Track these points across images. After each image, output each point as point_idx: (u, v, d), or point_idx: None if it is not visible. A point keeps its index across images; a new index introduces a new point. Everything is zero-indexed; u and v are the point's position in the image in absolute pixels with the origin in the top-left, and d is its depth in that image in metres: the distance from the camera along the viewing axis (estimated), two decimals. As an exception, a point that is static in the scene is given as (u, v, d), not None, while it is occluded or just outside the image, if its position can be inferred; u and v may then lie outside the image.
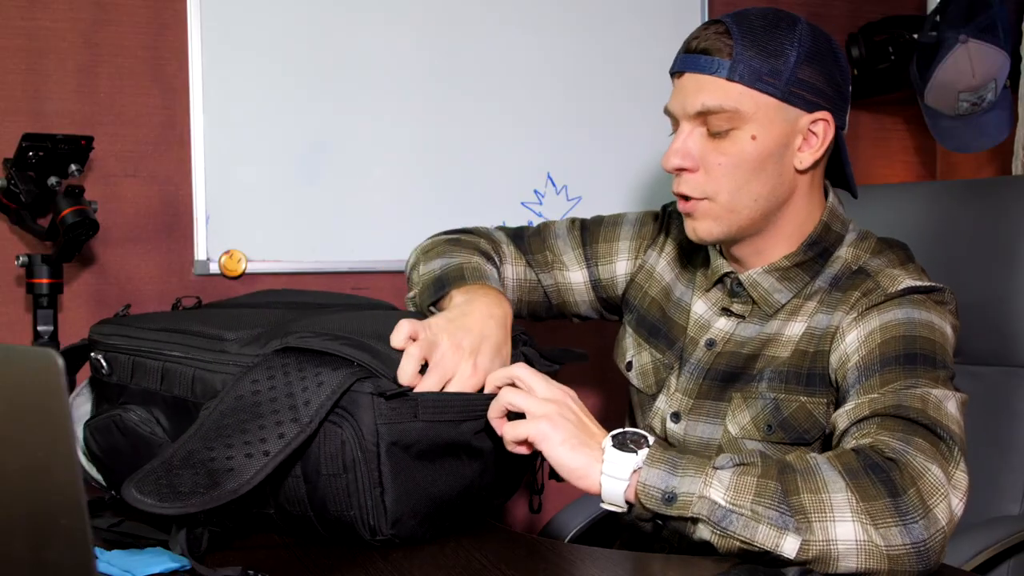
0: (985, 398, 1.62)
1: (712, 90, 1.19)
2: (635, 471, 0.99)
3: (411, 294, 1.33)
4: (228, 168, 1.93)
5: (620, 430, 1.03)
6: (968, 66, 2.06)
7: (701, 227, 1.24)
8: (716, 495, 0.97)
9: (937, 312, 1.17)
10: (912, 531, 0.95)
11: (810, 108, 1.21)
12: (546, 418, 1.01)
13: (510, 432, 1.03)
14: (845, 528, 0.95)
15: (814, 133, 1.22)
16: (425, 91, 2.04)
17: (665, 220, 1.46)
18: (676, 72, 1.24)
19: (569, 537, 1.63)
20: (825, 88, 1.21)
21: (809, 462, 0.99)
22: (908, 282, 1.19)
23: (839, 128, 1.24)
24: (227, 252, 1.93)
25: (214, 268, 1.93)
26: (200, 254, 1.93)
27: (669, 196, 2.24)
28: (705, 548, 1.29)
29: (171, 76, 1.91)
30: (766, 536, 0.96)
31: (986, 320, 1.62)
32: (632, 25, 2.20)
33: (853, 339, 1.17)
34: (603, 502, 1.02)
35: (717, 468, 0.98)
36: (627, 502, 1.01)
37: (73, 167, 1.66)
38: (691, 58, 1.22)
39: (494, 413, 1.06)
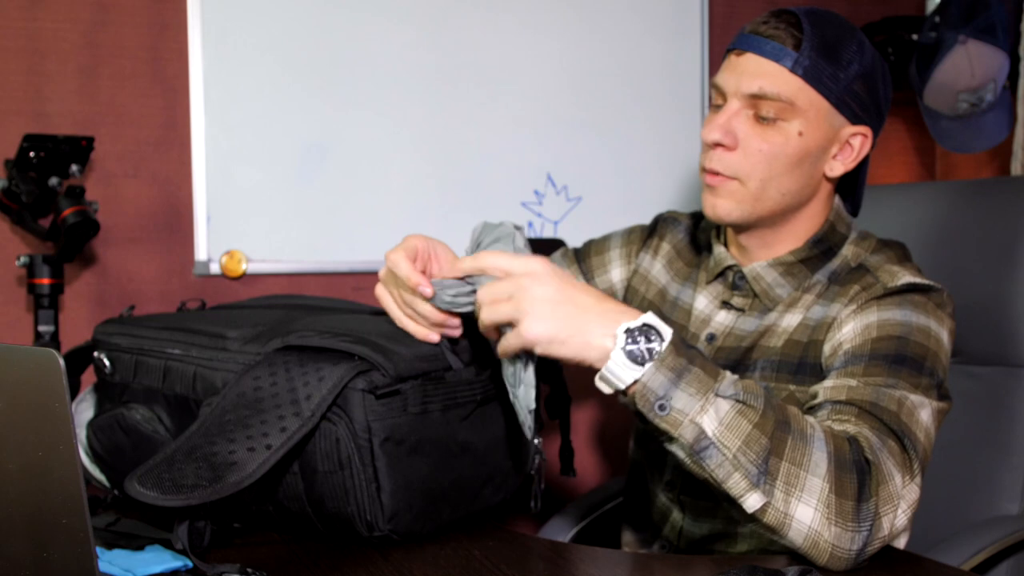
0: (985, 398, 1.62)
1: (773, 76, 1.19)
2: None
3: None
4: (228, 168, 1.93)
5: (636, 325, 0.96)
6: (967, 66, 2.06)
7: (722, 205, 1.24)
8: (708, 424, 0.95)
9: (936, 317, 1.17)
10: (860, 538, 0.98)
11: (855, 120, 1.22)
12: (528, 326, 0.97)
13: (504, 350, 1.01)
14: (806, 512, 0.97)
15: (851, 145, 1.24)
16: (425, 91, 2.04)
17: (658, 226, 1.47)
18: (737, 50, 1.24)
19: (569, 537, 1.63)
20: (871, 106, 1.23)
21: (806, 430, 0.99)
22: (907, 278, 1.19)
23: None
24: (228, 252, 1.94)
25: (215, 268, 1.93)
26: (201, 254, 1.93)
27: (668, 197, 2.25)
28: (706, 547, 1.29)
29: (171, 76, 1.91)
30: (736, 483, 0.96)
31: (986, 320, 1.62)
32: (632, 25, 2.20)
33: (849, 329, 1.17)
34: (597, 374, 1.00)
35: (719, 396, 0.96)
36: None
37: (74, 167, 1.66)
38: (758, 40, 1.21)
39: (485, 328, 1.03)
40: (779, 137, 1.20)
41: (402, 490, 1.04)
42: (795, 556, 1.01)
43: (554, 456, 1.28)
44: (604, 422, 2.26)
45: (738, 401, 0.97)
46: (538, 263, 0.99)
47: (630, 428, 1.46)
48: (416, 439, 1.06)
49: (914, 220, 1.75)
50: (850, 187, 1.31)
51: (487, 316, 1.00)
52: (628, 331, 0.96)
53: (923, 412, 1.09)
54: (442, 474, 1.09)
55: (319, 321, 1.14)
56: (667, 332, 0.97)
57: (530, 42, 2.12)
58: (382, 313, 1.33)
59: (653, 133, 2.22)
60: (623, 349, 0.95)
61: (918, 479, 1.03)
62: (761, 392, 0.99)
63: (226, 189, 1.93)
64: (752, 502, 0.97)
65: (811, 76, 1.18)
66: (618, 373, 0.96)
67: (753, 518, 0.98)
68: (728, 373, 0.99)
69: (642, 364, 0.95)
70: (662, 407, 0.95)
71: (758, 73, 1.19)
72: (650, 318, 0.97)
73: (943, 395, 1.13)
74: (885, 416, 1.05)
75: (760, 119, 1.20)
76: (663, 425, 0.96)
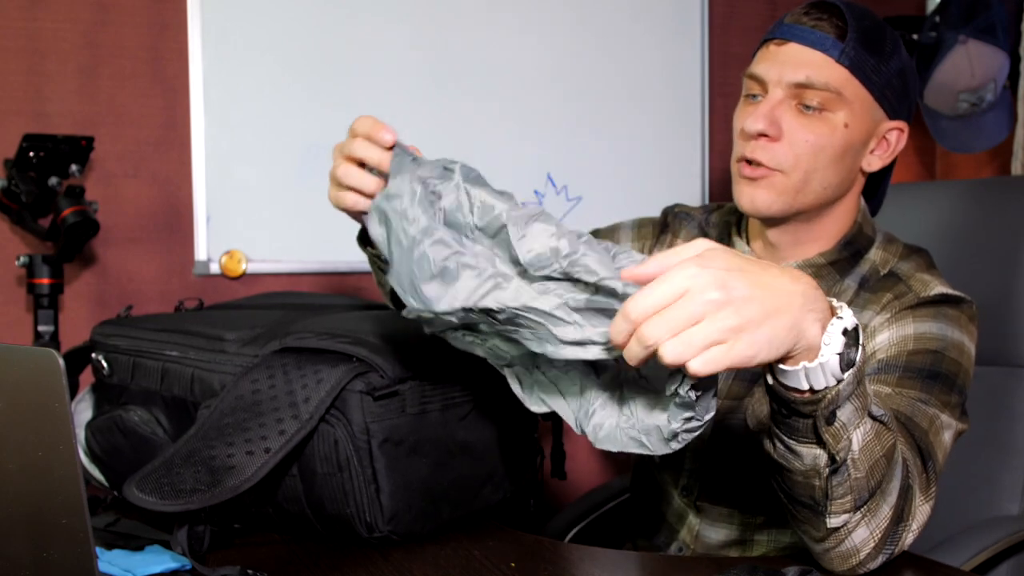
0: (985, 398, 1.62)
1: (820, 66, 1.16)
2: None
3: None
4: (228, 168, 1.93)
5: (852, 327, 0.83)
6: (967, 66, 2.06)
7: (761, 198, 1.19)
8: (856, 441, 0.89)
9: (967, 332, 1.17)
10: (881, 558, 0.98)
11: (892, 115, 1.21)
12: (743, 348, 0.76)
13: (702, 370, 0.76)
14: (863, 533, 0.96)
15: (887, 140, 1.22)
16: (425, 91, 2.04)
17: (669, 221, 1.43)
18: (777, 39, 1.20)
19: (569, 537, 1.63)
20: (906, 101, 1.22)
21: (897, 456, 0.96)
22: (939, 288, 1.18)
23: None
24: (227, 252, 1.94)
25: (215, 268, 1.93)
26: (201, 254, 1.93)
27: (668, 197, 2.25)
28: (721, 552, 1.29)
29: (171, 76, 1.91)
30: (841, 504, 0.92)
31: (986, 320, 1.62)
32: (632, 25, 2.20)
33: (884, 338, 1.16)
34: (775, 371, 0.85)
35: (870, 414, 0.90)
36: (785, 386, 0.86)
37: (74, 167, 1.66)
38: (801, 29, 1.18)
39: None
40: (825, 128, 1.17)
41: (401, 491, 1.04)
42: (805, 557, 1.01)
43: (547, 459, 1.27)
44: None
45: (881, 422, 0.91)
46: (700, 249, 0.78)
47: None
48: (415, 439, 1.05)
49: (914, 220, 1.75)
50: (871, 186, 1.30)
51: (676, 351, 0.75)
52: (846, 333, 0.82)
53: (947, 433, 1.09)
54: (441, 474, 1.09)
55: (317, 322, 1.14)
56: (862, 335, 0.85)
57: (530, 42, 2.12)
58: (381, 308, 1.33)
59: (653, 133, 2.22)
60: (839, 354, 0.82)
61: (932, 501, 1.03)
62: (889, 408, 0.95)
63: (226, 189, 1.93)
64: (838, 521, 0.94)
65: (856, 67, 1.16)
66: (820, 377, 0.83)
67: (813, 527, 0.95)
68: (869, 386, 0.91)
69: (843, 372, 0.83)
70: (832, 418, 0.86)
71: (804, 62, 1.17)
72: (852, 315, 0.84)
73: (964, 413, 1.14)
74: (917, 432, 1.04)
75: (804, 110, 1.17)
76: (825, 436, 0.87)
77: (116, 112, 1.88)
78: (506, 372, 0.96)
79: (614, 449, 0.86)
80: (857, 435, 0.89)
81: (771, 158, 1.18)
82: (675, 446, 0.83)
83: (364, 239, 1.11)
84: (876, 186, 1.30)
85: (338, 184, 1.01)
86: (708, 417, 0.83)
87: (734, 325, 0.76)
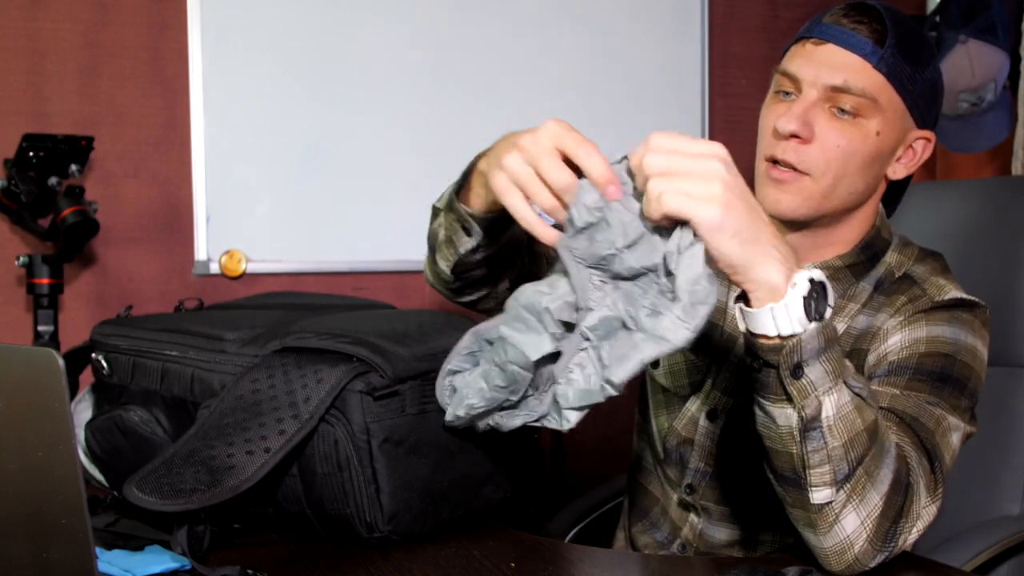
0: (986, 398, 1.61)
1: (859, 71, 1.14)
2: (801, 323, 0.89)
3: (435, 223, 1.29)
4: (228, 168, 1.93)
5: (819, 280, 0.90)
6: (968, 66, 2.06)
7: (787, 202, 1.17)
8: (827, 407, 0.91)
9: (980, 336, 1.17)
10: (880, 557, 0.97)
11: (920, 124, 1.20)
12: (715, 201, 0.86)
13: (666, 204, 0.87)
14: (853, 522, 0.95)
15: (914, 149, 1.21)
16: (425, 91, 2.04)
17: None
18: (815, 38, 1.18)
19: (569, 537, 1.63)
20: (934, 111, 1.21)
21: (886, 443, 0.97)
22: (954, 293, 1.17)
23: None
24: (227, 252, 1.94)
25: (214, 268, 1.93)
26: (200, 254, 1.93)
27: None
28: (724, 552, 1.29)
29: (171, 76, 1.91)
30: (820, 475, 0.93)
31: (986, 320, 1.62)
32: (632, 25, 2.20)
33: (896, 341, 1.15)
34: (741, 309, 0.92)
35: (846, 383, 0.92)
36: (755, 333, 0.91)
37: (73, 167, 1.66)
38: (840, 31, 1.16)
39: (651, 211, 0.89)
40: (858, 134, 1.15)
41: (401, 491, 1.04)
42: (808, 556, 1.01)
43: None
44: (604, 421, 2.26)
45: (859, 396, 0.93)
46: (722, 148, 0.89)
47: (633, 425, 1.46)
48: (415, 439, 1.05)
49: (914, 220, 1.75)
50: (889, 192, 1.29)
51: (659, 188, 0.88)
52: (812, 283, 0.89)
53: (955, 435, 1.08)
54: (441, 474, 1.08)
55: (317, 322, 1.14)
56: (831, 296, 0.91)
57: (530, 43, 2.12)
58: (380, 306, 1.33)
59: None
60: (803, 297, 0.88)
61: (939, 502, 1.02)
62: (872, 393, 0.96)
63: (226, 189, 1.93)
64: (821, 497, 0.94)
65: (893, 75, 1.15)
66: (786, 319, 0.88)
67: (802, 507, 0.96)
68: (848, 361, 0.95)
69: (810, 321, 0.88)
70: (798, 371, 0.89)
71: (841, 65, 1.15)
72: (821, 273, 0.90)
73: (973, 416, 1.13)
74: (923, 433, 1.04)
75: (838, 113, 1.16)
76: (791, 389, 0.90)
77: (116, 112, 1.88)
78: (544, 423, 1.00)
79: (634, 369, 0.90)
80: (830, 400, 0.91)
81: (800, 160, 1.16)
82: (695, 324, 0.88)
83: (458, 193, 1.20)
84: (893, 191, 1.29)
85: (514, 183, 1.04)
86: (714, 298, 0.87)
87: (718, 195, 0.86)
